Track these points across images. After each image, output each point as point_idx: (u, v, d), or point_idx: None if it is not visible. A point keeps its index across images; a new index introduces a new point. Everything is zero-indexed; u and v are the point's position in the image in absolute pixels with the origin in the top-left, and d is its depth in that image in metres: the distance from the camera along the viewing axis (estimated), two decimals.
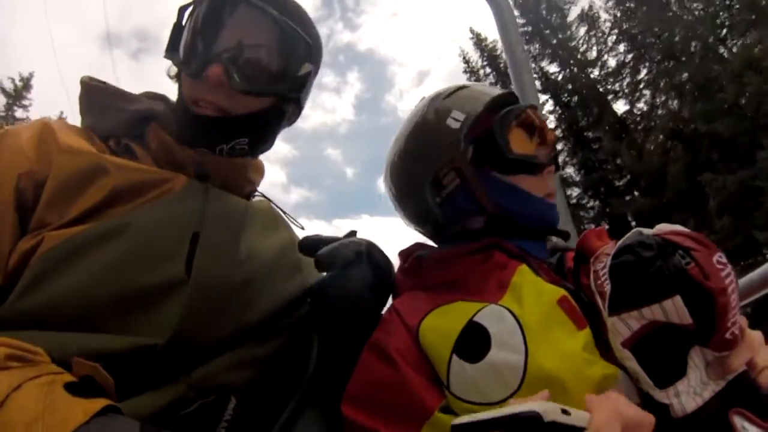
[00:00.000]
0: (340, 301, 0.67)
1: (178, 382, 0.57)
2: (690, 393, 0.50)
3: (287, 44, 0.71)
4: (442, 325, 0.61)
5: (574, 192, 14.98)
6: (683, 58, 12.26)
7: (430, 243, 0.84)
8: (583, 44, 15.17)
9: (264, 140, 0.79)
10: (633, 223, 13.45)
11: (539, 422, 0.38)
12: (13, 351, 0.47)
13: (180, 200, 0.67)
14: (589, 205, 14.95)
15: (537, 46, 15.83)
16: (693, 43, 11.68)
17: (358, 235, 0.77)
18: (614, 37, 14.25)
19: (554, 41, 15.60)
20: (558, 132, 14.04)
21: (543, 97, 15.13)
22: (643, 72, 13.90)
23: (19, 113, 15.70)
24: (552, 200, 0.75)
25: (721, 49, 11.52)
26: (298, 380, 0.66)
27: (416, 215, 0.82)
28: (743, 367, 0.51)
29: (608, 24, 14.45)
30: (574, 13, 15.36)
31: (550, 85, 15.40)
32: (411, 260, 0.75)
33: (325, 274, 0.69)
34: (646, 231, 0.55)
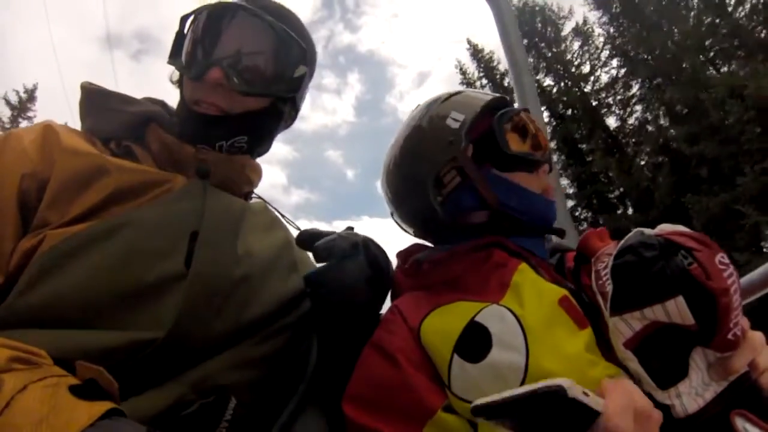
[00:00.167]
0: (336, 291, 0.68)
1: (179, 382, 0.57)
2: (692, 394, 0.50)
3: (283, 48, 0.75)
4: (443, 324, 0.61)
5: (569, 203, 15.08)
6: (673, 76, 12.50)
7: (428, 244, 0.84)
8: (576, 58, 15.39)
9: (262, 139, 0.82)
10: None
11: (562, 397, 0.37)
12: (17, 353, 0.47)
13: (179, 199, 0.68)
14: (582, 217, 15.06)
15: (532, 59, 16.00)
16: (684, 65, 11.91)
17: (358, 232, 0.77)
18: (607, 52, 14.48)
19: (549, 54, 15.82)
20: (552, 144, 14.19)
21: None
22: (635, 87, 14.12)
23: (23, 125, 15.64)
24: (550, 197, 0.77)
25: (710, 70, 11.74)
26: (298, 380, 0.65)
27: (415, 216, 0.82)
28: (745, 368, 0.51)
29: (602, 39, 14.70)
30: (568, 27, 15.61)
31: (545, 98, 15.54)
32: (410, 262, 0.75)
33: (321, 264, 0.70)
34: (648, 231, 0.55)
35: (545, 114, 15.58)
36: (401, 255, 0.79)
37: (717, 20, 11.55)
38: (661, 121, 13.07)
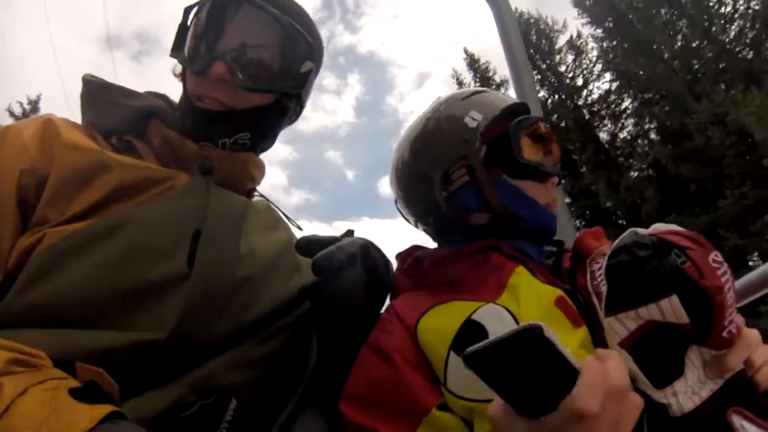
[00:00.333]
0: (331, 302, 0.67)
1: (179, 383, 0.57)
2: (688, 392, 0.50)
3: (289, 43, 0.73)
4: (440, 323, 0.61)
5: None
6: (663, 92, 12.48)
7: (428, 245, 0.85)
8: (570, 72, 15.32)
9: (265, 136, 0.81)
10: None
11: (539, 336, 0.38)
12: (17, 355, 0.47)
13: (182, 197, 0.67)
14: (576, 227, 15.03)
15: None
16: (673, 83, 11.86)
17: (357, 236, 0.77)
18: (600, 65, 14.42)
19: (543, 66, 15.76)
20: None
21: None
22: (627, 101, 14.06)
23: None
24: (552, 210, 0.77)
25: (697, 90, 11.67)
26: (298, 380, 0.66)
27: (421, 210, 0.82)
28: (741, 365, 0.51)
29: (595, 53, 14.66)
30: (562, 40, 15.55)
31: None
32: (410, 262, 0.76)
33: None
34: (642, 231, 0.55)
35: None
36: (400, 256, 0.80)
37: (704, 42, 11.52)
38: (652, 136, 13.03)
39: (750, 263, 10.64)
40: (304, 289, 0.69)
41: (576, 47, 14.97)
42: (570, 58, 15.33)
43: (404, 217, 0.89)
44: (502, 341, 0.38)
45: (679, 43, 12.35)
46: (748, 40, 11.37)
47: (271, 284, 0.71)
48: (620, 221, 13.93)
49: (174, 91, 0.81)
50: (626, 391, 0.43)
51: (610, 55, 14.08)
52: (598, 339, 0.57)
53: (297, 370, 0.67)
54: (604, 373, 0.41)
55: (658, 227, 0.55)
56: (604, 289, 0.54)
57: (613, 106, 14.07)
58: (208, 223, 0.66)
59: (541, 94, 15.70)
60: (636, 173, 13.55)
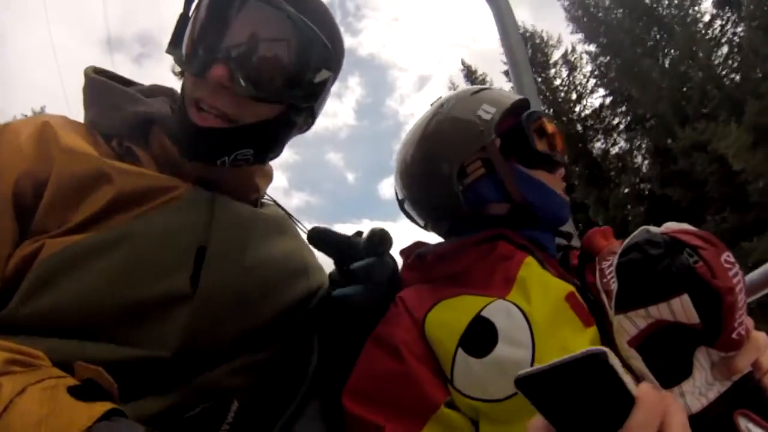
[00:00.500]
0: (359, 311, 0.67)
1: (181, 388, 0.57)
2: (695, 393, 0.50)
3: (302, 46, 0.63)
4: (448, 318, 0.60)
5: None
6: (651, 114, 12.76)
7: (430, 242, 0.84)
8: (563, 86, 15.50)
9: (270, 150, 0.72)
10: None
11: (603, 363, 0.36)
12: (15, 356, 0.46)
13: (185, 210, 0.63)
14: None
15: None
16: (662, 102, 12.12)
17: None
18: (594, 81, 14.64)
19: (539, 79, 15.93)
20: None
21: None
22: (620, 116, 14.24)
23: None
24: (565, 197, 0.77)
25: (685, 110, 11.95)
26: (299, 382, 0.65)
27: (433, 208, 0.81)
28: (749, 368, 0.51)
29: (588, 68, 14.87)
30: (557, 54, 15.72)
31: None
32: (413, 257, 0.75)
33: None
34: (654, 229, 0.54)
35: None
36: (404, 252, 0.79)
37: (690, 65, 11.78)
38: (643, 151, 13.27)
39: None
40: (339, 298, 0.67)
41: (570, 62, 15.13)
42: (564, 71, 15.51)
43: (411, 219, 0.87)
44: (562, 366, 0.36)
45: (667, 66, 12.64)
46: (735, 64, 11.64)
47: (278, 291, 0.70)
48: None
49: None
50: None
51: (603, 70, 14.30)
52: (607, 338, 0.56)
53: (298, 371, 0.66)
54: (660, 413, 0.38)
55: (670, 226, 0.55)
56: (614, 286, 0.53)
57: (605, 122, 14.24)
58: (214, 239, 0.63)
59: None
60: (627, 189, 13.73)
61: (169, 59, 0.66)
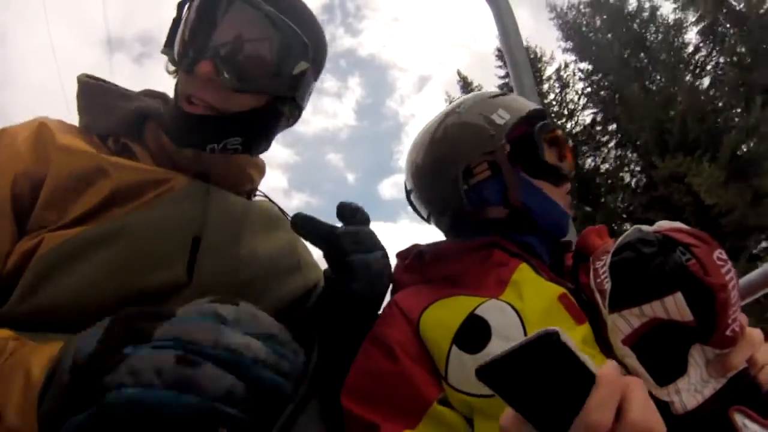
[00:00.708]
0: (360, 305, 0.67)
1: None
2: (691, 390, 0.50)
3: (282, 42, 0.69)
4: (442, 317, 0.61)
5: None
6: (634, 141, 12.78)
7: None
8: (555, 102, 15.42)
9: (259, 140, 0.77)
10: None
11: (557, 343, 0.36)
12: None
13: (180, 201, 0.66)
14: None
15: None
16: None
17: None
18: (585, 98, 14.57)
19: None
20: None
21: None
22: (610, 134, 14.15)
23: None
24: (568, 210, 0.79)
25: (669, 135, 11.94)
26: (299, 380, 0.65)
27: (438, 202, 0.83)
28: (744, 364, 0.51)
29: (580, 85, 14.82)
30: (550, 70, 15.67)
31: None
32: (412, 256, 0.76)
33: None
34: (646, 228, 0.55)
35: None
36: (401, 254, 0.80)
37: (672, 92, 11.79)
38: (633, 166, 13.22)
39: None
40: (346, 289, 0.66)
41: (562, 79, 15.08)
42: (557, 87, 15.44)
43: (416, 210, 0.90)
44: (518, 350, 0.37)
45: (653, 89, 12.67)
46: (716, 96, 11.62)
47: (273, 285, 0.71)
48: None
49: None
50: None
51: (595, 87, 14.29)
52: (601, 337, 0.57)
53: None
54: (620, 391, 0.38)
55: (663, 224, 0.55)
56: (607, 285, 0.53)
57: (596, 139, 14.16)
58: (208, 230, 0.65)
59: None
60: (613, 205, 13.67)
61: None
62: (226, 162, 0.74)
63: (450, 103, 0.90)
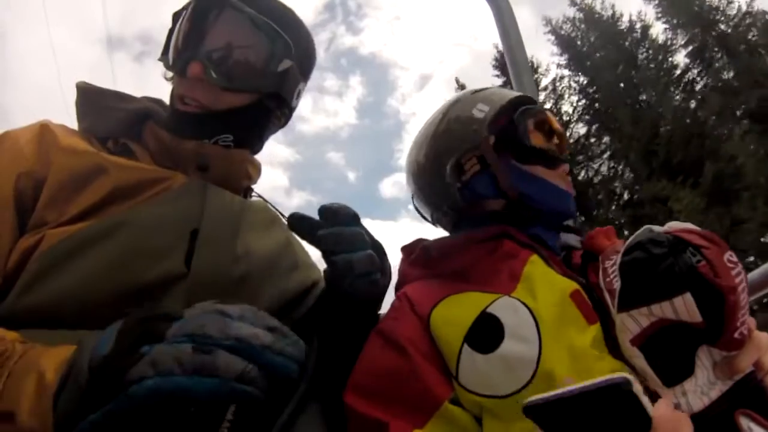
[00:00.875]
0: (362, 302, 0.66)
1: None
2: (697, 392, 0.50)
3: (263, 42, 0.74)
4: (454, 314, 0.60)
5: None
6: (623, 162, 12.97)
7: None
8: (551, 113, 15.60)
9: (249, 137, 0.80)
10: None
11: (627, 393, 0.36)
12: None
13: (179, 197, 0.67)
14: None
15: None
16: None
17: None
18: (580, 110, 14.71)
19: None
20: None
21: None
22: (603, 146, 14.32)
23: None
24: (569, 189, 0.78)
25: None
26: (299, 379, 0.64)
27: (437, 203, 0.83)
28: (751, 367, 0.51)
29: (575, 97, 14.96)
30: (545, 81, 15.76)
31: None
32: (418, 251, 0.75)
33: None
34: (657, 228, 0.54)
35: None
36: (406, 249, 0.79)
37: (660, 110, 12.00)
38: (626, 177, 13.40)
39: None
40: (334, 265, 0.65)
41: (556, 91, 15.21)
42: (552, 99, 15.55)
43: (421, 215, 0.90)
44: (579, 395, 0.36)
45: (643, 106, 12.88)
46: (701, 117, 11.86)
47: (269, 283, 0.71)
48: None
49: None
50: None
51: (589, 101, 14.45)
52: (609, 337, 0.56)
53: (298, 369, 0.65)
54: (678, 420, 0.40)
55: (673, 225, 0.55)
56: (617, 285, 0.53)
57: (590, 150, 14.31)
58: (206, 223, 0.66)
59: None
60: (605, 216, 13.82)
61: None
62: (226, 155, 0.75)
63: None
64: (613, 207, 12.92)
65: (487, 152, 0.75)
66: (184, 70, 0.70)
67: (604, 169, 13.63)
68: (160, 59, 0.76)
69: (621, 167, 13.26)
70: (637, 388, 0.36)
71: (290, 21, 0.78)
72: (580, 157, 13.93)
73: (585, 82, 14.42)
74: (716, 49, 12.19)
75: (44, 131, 0.67)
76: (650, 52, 13.41)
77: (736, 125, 10.42)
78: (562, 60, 15.11)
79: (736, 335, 0.49)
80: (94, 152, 0.66)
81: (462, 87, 15.94)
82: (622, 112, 12.35)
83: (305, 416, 0.61)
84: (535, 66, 15.50)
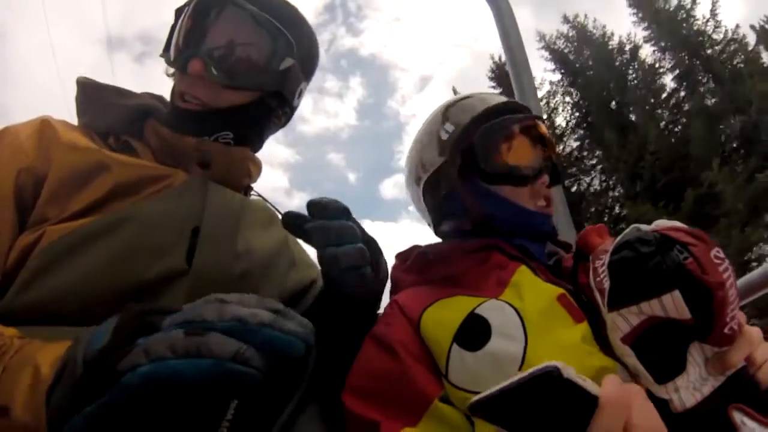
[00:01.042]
0: (359, 300, 0.67)
1: None
2: (689, 388, 0.50)
3: (266, 40, 0.73)
4: (443, 316, 0.61)
5: None
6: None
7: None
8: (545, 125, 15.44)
9: (249, 135, 0.79)
10: None
11: (558, 378, 0.36)
12: None
13: (180, 194, 0.68)
14: None
15: None
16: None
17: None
18: (573, 124, 14.57)
19: None
20: None
21: None
22: (595, 159, 14.15)
23: None
24: (545, 210, 0.76)
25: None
26: (299, 379, 0.65)
27: (424, 214, 0.86)
28: (742, 362, 0.51)
29: (567, 110, 14.80)
30: (539, 94, 15.57)
31: None
32: (414, 256, 0.76)
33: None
34: (645, 227, 0.55)
35: None
36: (401, 255, 0.80)
37: (645, 133, 11.86)
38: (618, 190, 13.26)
39: None
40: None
41: (549, 104, 15.06)
42: (545, 112, 15.39)
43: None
44: (516, 387, 0.37)
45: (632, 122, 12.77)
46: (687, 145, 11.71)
47: (269, 281, 0.71)
48: None
49: None
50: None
51: (582, 115, 14.33)
52: (601, 336, 0.57)
53: (297, 368, 0.66)
54: (631, 396, 0.40)
55: (661, 224, 0.55)
56: (606, 284, 0.54)
57: (583, 163, 14.15)
58: (207, 220, 0.67)
59: None
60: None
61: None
62: (227, 152, 0.75)
63: None
64: (605, 220, 12.76)
65: (450, 175, 0.74)
66: (185, 67, 0.70)
67: (596, 182, 13.54)
68: (161, 55, 0.76)
69: (612, 182, 13.17)
70: (569, 372, 0.36)
71: (293, 19, 0.78)
72: (573, 169, 13.81)
73: (578, 97, 14.34)
74: (702, 73, 12.12)
75: (45, 127, 0.66)
76: (640, 73, 13.32)
77: (717, 151, 10.32)
78: (555, 75, 15.09)
79: (726, 331, 0.49)
80: (95, 149, 0.66)
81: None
82: (609, 135, 12.30)
83: (305, 416, 0.61)
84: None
